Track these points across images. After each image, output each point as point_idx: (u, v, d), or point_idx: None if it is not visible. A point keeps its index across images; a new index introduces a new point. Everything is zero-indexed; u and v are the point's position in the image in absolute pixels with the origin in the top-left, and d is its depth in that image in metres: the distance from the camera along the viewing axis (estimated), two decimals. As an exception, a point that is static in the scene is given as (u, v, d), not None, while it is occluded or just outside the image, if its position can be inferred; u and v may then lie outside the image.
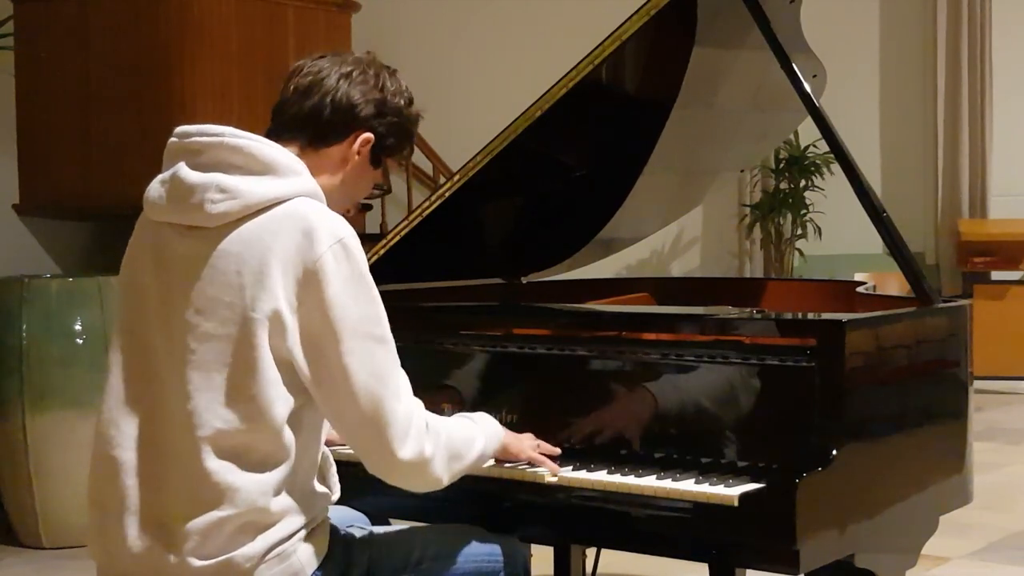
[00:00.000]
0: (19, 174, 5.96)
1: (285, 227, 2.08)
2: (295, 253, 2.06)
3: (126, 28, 5.77)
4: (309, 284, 2.06)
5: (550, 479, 2.43)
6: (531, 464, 2.46)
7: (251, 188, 2.09)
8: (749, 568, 2.36)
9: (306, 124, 2.22)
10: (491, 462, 2.44)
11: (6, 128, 5.90)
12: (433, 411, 2.50)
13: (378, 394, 2.08)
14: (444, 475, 2.18)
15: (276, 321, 2.05)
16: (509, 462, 2.46)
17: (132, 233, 2.23)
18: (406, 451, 2.11)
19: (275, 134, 2.23)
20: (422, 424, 2.14)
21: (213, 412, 2.06)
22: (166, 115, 5.41)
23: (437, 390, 2.73)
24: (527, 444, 2.48)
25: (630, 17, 2.82)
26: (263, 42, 5.93)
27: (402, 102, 2.29)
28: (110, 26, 5.78)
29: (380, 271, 3.04)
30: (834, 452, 2.26)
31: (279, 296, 2.05)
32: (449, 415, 2.65)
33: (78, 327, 4.91)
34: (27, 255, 5.94)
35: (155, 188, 2.17)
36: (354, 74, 2.24)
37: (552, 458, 2.48)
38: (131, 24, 5.76)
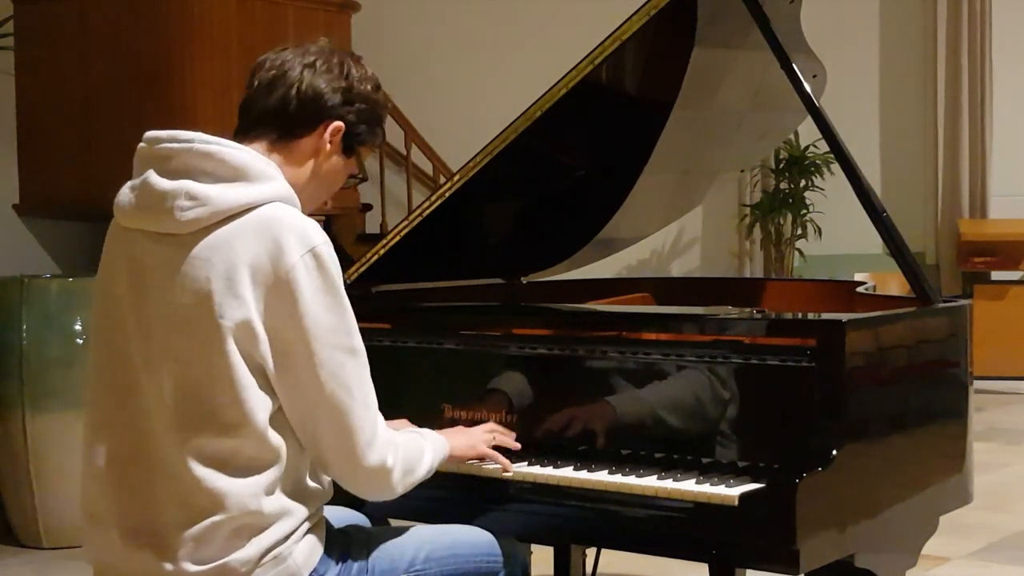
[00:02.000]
0: (19, 174, 5.96)
1: (256, 234, 2.06)
2: (266, 261, 2.05)
3: (126, 28, 5.77)
4: (280, 293, 2.05)
5: (505, 475, 2.45)
6: (485, 460, 2.48)
7: (221, 195, 2.07)
8: (749, 568, 2.36)
9: (274, 119, 2.19)
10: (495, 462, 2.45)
11: (6, 128, 5.90)
12: (433, 411, 2.52)
13: (346, 404, 2.08)
14: (399, 486, 2.19)
15: (246, 329, 2.04)
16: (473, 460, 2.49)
17: (104, 241, 2.21)
18: (371, 459, 2.11)
19: (243, 132, 2.20)
20: (386, 435, 2.15)
21: (195, 420, 2.05)
22: (166, 115, 5.41)
23: (437, 390, 2.73)
24: (479, 438, 2.49)
25: (630, 17, 2.82)
26: (263, 42, 5.88)
27: (369, 87, 2.26)
28: (110, 26, 5.79)
29: (380, 271, 3.06)
30: (834, 452, 2.26)
31: (249, 304, 2.04)
32: (449, 416, 2.65)
33: (78, 327, 4.90)
34: (27, 255, 5.94)
35: (125, 194, 2.15)
36: (318, 63, 2.21)
37: (513, 452, 2.51)
38: (131, 24, 5.76)
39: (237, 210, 2.07)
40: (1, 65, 5.78)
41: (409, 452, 2.21)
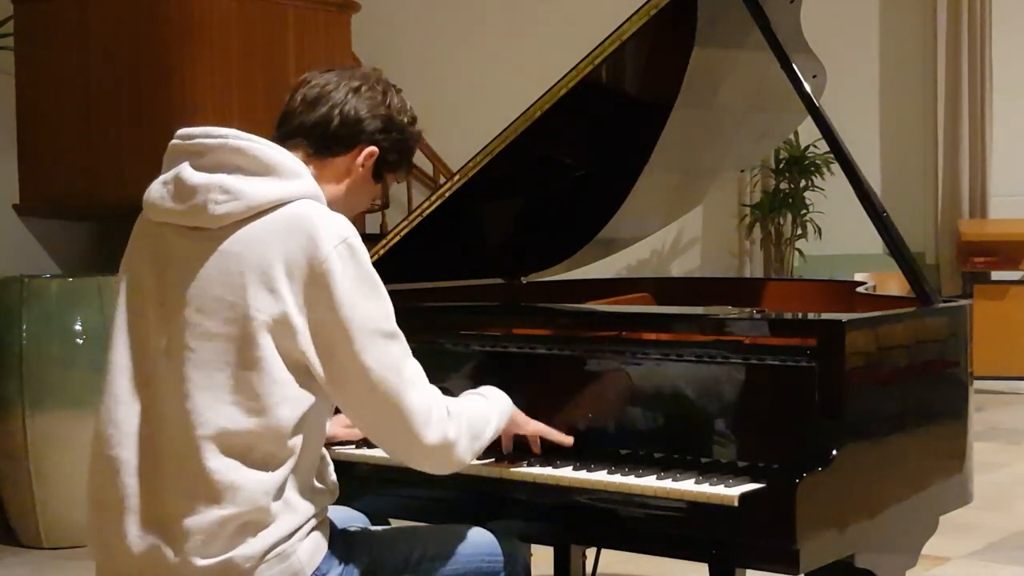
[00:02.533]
0: (19, 174, 5.96)
1: (289, 229, 2.09)
2: (300, 255, 2.07)
3: (126, 28, 5.77)
4: (317, 285, 2.07)
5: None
6: (539, 442, 2.50)
7: (254, 189, 2.10)
8: (749, 568, 2.36)
9: (311, 133, 2.24)
10: (490, 459, 2.46)
11: (6, 128, 5.90)
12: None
13: (396, 386, 2.11)
14: (467, 455, 2.22)
15: (284, 324, 2.06)
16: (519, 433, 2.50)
17: (131, 233, 2.23)
18: (431, 436, 2.14)
19: (279, 140, 2.24)
20: (443, 409, 2.17)
21: (215, 411, 2.06)
22: (166, 115, 5.41)
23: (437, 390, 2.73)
24: (533, 421, 2.52)
25: (630, 17, 2.82)
26: (263, 42, 5.93)
27: (406, 119, 2.32)
28: (110, 26, 5.78)
29: (380, 271, 3.05)
30: (834, 452, 2.26)
31: (286, 298, 2.06)
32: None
33: (78, 327, 4.91)
34: (27, 255, 5.94)
35: (156, 189, 2.17)
36: (363, 89, 2.27)
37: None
38: (131, 24, 5.76)
39: (268, 206, 2.10)
40: (1, 65, 5.78)
41: (474, 419, 2.25)
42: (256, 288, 2.06)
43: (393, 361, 2.12)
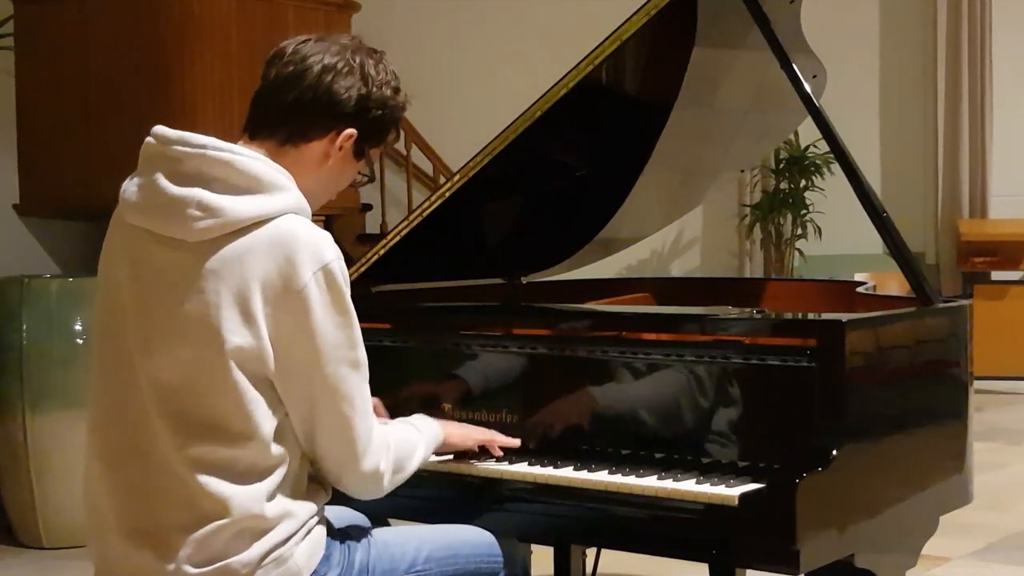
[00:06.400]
0: (19, 174, 5.96)
1: (269, 249, 2.03)
2: (277, 279, 2.03)
3: (126, 28, 5.77)
4: (292, 309, 2.04)
5: (504, 475, 2.47)
6: (483, 451, 2.52)
7: (233, 207, 2.04)
8: (749, 568, 2.36)
9: (287, 119, 2.15)
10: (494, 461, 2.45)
11: (6, 128, 5.89)
12: (433, 412, 2.51)
13: (347, 415, 2.10)
14: (389, 486, 2.22)
15: (256, 346, 2.03)
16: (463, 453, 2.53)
17: (107, 230, 2.18)
18: (366, 465, 2.15)
19: (253, 126, 2.16)
20: (381, 440, 2.17)
21: (194, 427, 2.04)
22: (166, 115, 5.38)
23: (437, 390, 2.73)
24: (476, 430, 2.53)
25: (630, 17, 2.82)
26: (263, 42, 5.90)
27: (388, 92, 2.21)
28: (110, 26, 5.78)
29: (381, 271, 3.06)
30: (834, 452, 2.26)
31: (260, 323, 2.03)
32: (449, 415, 2.66)
33: (78, 327, 4.90)
34: (27, 255, 5.94)
35: (131, 190, 2.11)
36: (339, 66, 2.15)
37: (513, 452, 2.53)
38: (131, 24, 5.76)
39: (248, 222, 2.04)
40: (1, 65, 5.78)
41: (400, 451, 2.23)
42: (231, 310, 2.02)
43: (351, 389, 2.10)
